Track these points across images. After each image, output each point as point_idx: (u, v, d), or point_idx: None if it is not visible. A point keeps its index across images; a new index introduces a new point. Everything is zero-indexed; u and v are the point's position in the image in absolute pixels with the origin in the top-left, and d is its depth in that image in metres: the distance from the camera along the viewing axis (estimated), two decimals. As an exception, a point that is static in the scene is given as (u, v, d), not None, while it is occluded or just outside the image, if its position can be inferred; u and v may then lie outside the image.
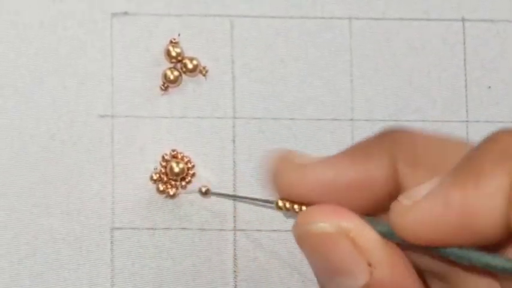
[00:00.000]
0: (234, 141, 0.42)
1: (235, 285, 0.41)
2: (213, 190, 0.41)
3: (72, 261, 0.41)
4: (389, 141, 0.30)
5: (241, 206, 0.42)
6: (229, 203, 0.41)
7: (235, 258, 0.41)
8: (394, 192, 0.28)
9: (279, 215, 0.41)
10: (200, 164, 0.42)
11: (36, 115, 0.42)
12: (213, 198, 0.42)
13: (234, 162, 0.42)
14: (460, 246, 0.26)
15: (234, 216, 0.42)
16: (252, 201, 0.39)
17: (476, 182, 0.25)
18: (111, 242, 0.41)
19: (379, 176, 0.28)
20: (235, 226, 0.41)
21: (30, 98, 0.42)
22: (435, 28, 0.43)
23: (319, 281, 0.29)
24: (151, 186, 0.41)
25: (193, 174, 0.41)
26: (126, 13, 0.43)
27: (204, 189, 0.41)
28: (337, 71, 0.43)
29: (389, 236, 0.27)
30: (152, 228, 0.41)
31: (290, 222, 0.41)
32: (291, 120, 0.42)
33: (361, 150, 0.29)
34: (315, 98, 0.42)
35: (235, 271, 0.41)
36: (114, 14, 0.43)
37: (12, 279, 0.41)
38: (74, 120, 0.42)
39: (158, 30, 0.43)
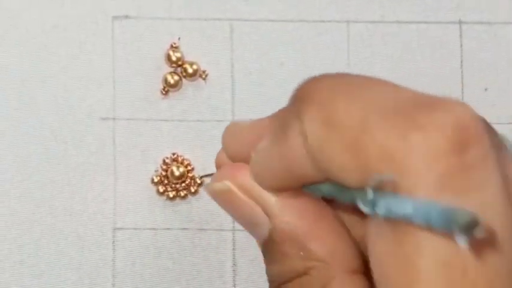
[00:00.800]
0: (233, 144, 0.42)
1: (234, 284, 0.42)
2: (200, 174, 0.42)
3: (74, 261, 0.41)
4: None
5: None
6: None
7: (234, 258, 0.42)
8: None
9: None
10: (200, 167, 0.42)
11: (39, 118, 0.42)
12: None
13: (233, 165, 0.42)
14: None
15: (233, 217, 0.42)
16: None
17: (284, 135, 0.27)
18: (113, 242, 0.42)
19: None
20: (234, 226, 0.42)
21: (32, 101, 0.42)
22: (432, 31, 0.44)
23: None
24: (152, 188, 0.42)
25: (192, 177, 0.42)
26: (127, 16, 0.43)
27: (199, 181, 0.42)
28: (335, 74, 0.43)
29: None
30: (153, 229, 0.42)
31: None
32: (289, 123, 0.42)
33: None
34: (312, 101, 0.43)
35: (234, 270, 0.42)
36: (115, 17, 0.43)
37: (14, 278, 0.41)
38: (76, 123, 0.42)
39: (159, 34, 0.43)
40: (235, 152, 0.31)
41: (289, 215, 0.29)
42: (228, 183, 0.29)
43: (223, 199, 0.30)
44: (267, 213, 0.29)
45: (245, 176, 0.29)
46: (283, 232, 0.28)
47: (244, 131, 0.31)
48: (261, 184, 0.29)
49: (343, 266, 0.29)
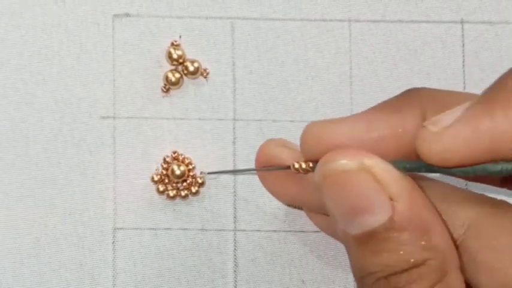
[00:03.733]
0: (234, 142, 0.42)
1: (236, 285, 0.42)
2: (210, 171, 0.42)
3: (74, 261, 0.41)
4: (416, 95, 0.32)
5: (242, 207, 0.42)
6: (230, 203, 0.42)
7: (235, 258, 0.42)
8: None
9: (279, 215, 0.42)
10: (201, 165, 0.42)
11: (39, 116, 0.42)
12: (215, 198, 0.42)
13: (234, 163, 0.42)
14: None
15: (235, 217, 0.42)
16: (254, 171, 0.39)
17: (504, 109, 0.27)
18: (113, 242, 0.41)
19: (411, 126, 0.30)
20: (235, 226, 0.42)
21: (32, 99, 0.42)
22: (434, 30, 0.44)
23: (340, 229, 0.29)
24: (153, 186, 0.42)
25: (193, 176, 0.42)
26: (127, 15, 0.43)
27: (200, 181, 0.42)
28: (336, 73, 0.43)
29: (410, 169, 0.29)
30: (154, 229, 0.42)
31: (290, 223, 0.42)
32: (291, 122, 0.42)
33: (390, 105, 0.31)
34: (314, 100, 0.43)
35: (235, 271, 0.42)
36: (115, 16, 0.43)
37: (15, 279, 0.41)
38: (76, 122, 0.42)
39: (159, 32, 0.43)
40: (328, 147, 0.30)
41: (416, 201, 0.28)
42: (351, 163, 0.28)
43: (340, 181, 0.29)
44: (393, 196, 0.28)
45: (373, 157, 0.29)
46: (407, 219, 0.28)
47: (347, 122, 0.31)
48: (441, 160, 0.28)
49: (455, 261, 0.28)
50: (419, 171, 0.29)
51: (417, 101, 0.32)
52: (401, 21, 0.44)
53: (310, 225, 0.42)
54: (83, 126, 0.42)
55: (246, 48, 0.43)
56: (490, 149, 0.27)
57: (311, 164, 0.33)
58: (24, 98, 0.42)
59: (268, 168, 0.35)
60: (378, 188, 0.28)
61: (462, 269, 0.29)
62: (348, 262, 0.42)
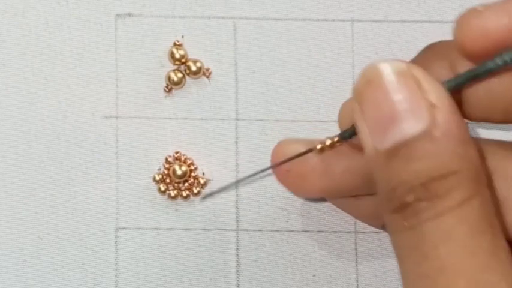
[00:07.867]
0: (236, 142, 0.42)
1: (238, 285, 0.42)
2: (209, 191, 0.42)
3: (77, 261, 0.41)
4: (439, 48, 0.33)
5: (244, 206, 0.42)
6: (232, 203, 0.42)
7: (237, 258, 0.42)
8: None
9: (282, 214, 0.42)
10: (203, 165, 0.42)
11: (41, 116, 0.42)
12: (217, 198, 0.42)
13: (236, 163, 0.42)
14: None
15: (237, 217, 0.42)
16: (258, 173, 0.39)
17: None
18: (115, 242, 0.41)
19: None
20: (238, 226, 0.42)
21: (35, 99, 0.42)
22: (437, 30, 0.44)
23: (369, 150, 0.29)
24: (155, 186, 0.42)
25: (195, 177, 0.42)
26: (130, 14, 0.43)
27: (203, 181, 0.42)
28: (339, 73, 0.43)
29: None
30: (156, 228, 0.42)
31: (292, 223, 0.42)
32: (293, 122, 0.42)
33: (417, 64, 0.31)
34: (317, 100, 0.43)
35: (237, 271, 0.42)
36: (118, 16, 0.43)
37: (17, 278, 0.41)
38: (79, 121, 0.42)
39: (162, 32, 0.43)
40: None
41: (455, 111, 0.28)
42: (402, 65, 0.29)
43: (385, 81, 0.29)
44: (434, 103, 0.28)
45: (420, 68, 0.29)
46: (447, 127, 0.28)
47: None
48: (472, 43, 0.29)
49: (485, 178, 0.28)
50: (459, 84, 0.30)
51: (443, 53, 0.32)
52: (404, 21, 0.44)
53: (313, 225, 0.42)
54: (85, 126, 0.42)
55: (249, 48, 0.43)
56: None
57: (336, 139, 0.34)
58: (27, 97, 0.42)
59: (289, 159, 0.35)
60: (420, 93, 0.28)
61: None
62: (351, 264, 0.42)
